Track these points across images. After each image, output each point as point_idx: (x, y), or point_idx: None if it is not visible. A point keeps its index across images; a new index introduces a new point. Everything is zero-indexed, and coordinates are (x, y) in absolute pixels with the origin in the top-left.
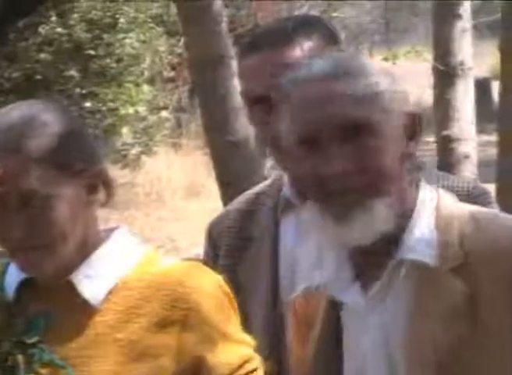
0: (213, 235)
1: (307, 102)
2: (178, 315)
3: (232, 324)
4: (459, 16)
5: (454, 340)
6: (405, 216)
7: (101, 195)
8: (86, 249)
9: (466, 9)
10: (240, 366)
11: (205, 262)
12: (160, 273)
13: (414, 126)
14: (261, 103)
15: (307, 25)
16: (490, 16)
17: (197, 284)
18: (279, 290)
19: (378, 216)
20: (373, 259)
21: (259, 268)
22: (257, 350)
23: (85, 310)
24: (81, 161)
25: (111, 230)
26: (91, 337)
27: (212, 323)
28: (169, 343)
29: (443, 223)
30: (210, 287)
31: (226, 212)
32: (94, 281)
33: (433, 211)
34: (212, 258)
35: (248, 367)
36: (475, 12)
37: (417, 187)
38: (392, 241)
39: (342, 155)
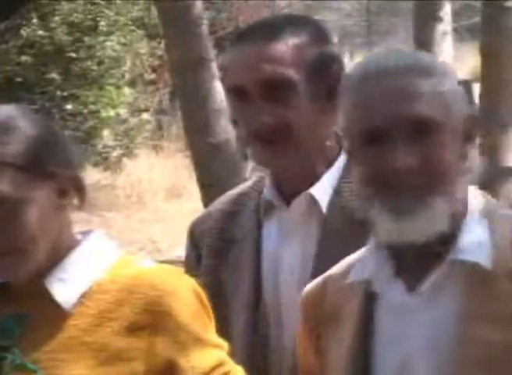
0: (195, 235)
1: (379, 97)
2: (150, 318)
3: (206, 328)
4: (440, 19)
5: (508, 343)
6: (459, 216)
7: (74, 200)
8: (59, 253)
9: (447, 12)
10: (212, 370)
11: (187, 262)
12: (133, 276)
13: (471, 128)
14: (241, 95)
15: (295, 23)
16: (471, 18)
17: (171, 288)
18: (262, 291)
19: (438, 214)
20: (421, 258)
21: (241, 269)
22: (238, 350)
23: (58, 314)
24: (52, 165)
25: (86, 234)
26: (63, 341)
27: (185, 327)
28: (140, 347)
29: (496, 225)
30: (183, 291)
31: (208, 212)
32: (67, 285)
33: (484, 212)
34: (194, 258)
35: (220, 371)
36: (456, 15)
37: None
38: (445, 240)
39: (408, 151)
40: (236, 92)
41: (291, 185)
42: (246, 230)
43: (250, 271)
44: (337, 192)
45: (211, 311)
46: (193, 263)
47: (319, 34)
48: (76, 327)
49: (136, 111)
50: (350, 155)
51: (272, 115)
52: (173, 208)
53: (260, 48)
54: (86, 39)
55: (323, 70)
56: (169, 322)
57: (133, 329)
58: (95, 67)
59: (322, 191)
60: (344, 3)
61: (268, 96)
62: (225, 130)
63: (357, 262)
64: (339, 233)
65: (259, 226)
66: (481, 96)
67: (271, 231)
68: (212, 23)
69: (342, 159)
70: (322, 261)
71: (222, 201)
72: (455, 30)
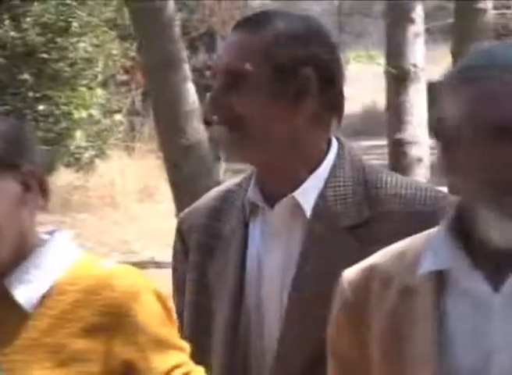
0: (183, 230)
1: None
2: (109, 320)
3: (166, 330)
4: (412, 20)
5: None
6: None
7: (38, 198)
8: (22, 252)
9: (419, 14)
10: (171, 371)
11: (175, 257)
12: (93, 278)
13: None
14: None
15: (282, 19)
16: (444, 20)
17: (130, 290)
18: (245, 292)
19: None
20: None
21: (227, 268)
22: (218, 349)
23: (19, 314)
24: (17, 157)
25: (49, 234)
26: (24, 342)
27: (144, 329)
28: (99, 348)
29: None
30: (143, 293)
31: (196, 207)
32: (28, 285)
33: None
34: (182, 253)
35: (179, 372)
36: (429, 17)
37: None
38: None
39: None
40: (212, 74)
41: (274, 186)
42: (233, 228)
43: (235, 270)
44: (322, 196)
45: (173, 313)
46: (181, 258)
47: (301, 34)
48: (36, 328)
49: (109, 112)
50: (463, 148)
51: (224, 104)
52: (146, 209)
53: (233, 38)
54: (58, 40)
55: (291, 71)
56: (128, 324)
57: (91, 330)
58: (68, 68)
59: (306, 195)
60: (314, 4)
61: (226, 85)
62: (197, 131)
63: (427, 252)
64: (322, 238)
65: (245, 225)
66: None
67: (255, 231)
68: (185, 24)
69: (327, 163)
70: (305, 265)
71: (210, 196)
72: (428, 31)
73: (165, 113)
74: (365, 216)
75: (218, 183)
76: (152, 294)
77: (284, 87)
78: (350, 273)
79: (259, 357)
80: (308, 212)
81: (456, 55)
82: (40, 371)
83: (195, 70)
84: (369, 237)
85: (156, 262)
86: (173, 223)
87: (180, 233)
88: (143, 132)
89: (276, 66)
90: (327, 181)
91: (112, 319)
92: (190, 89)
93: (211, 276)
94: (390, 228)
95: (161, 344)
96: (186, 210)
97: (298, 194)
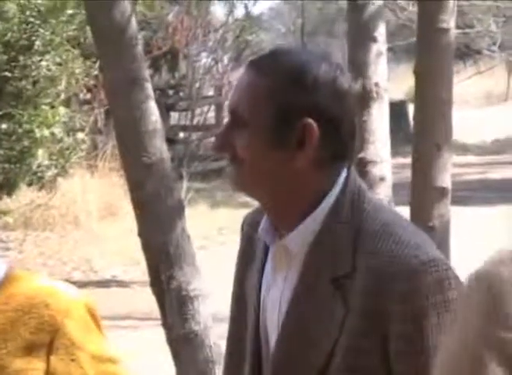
0: (243, 229)
1: None
2: (45, 338)
3: (100, 343)
4: (374, 39)
5: None
6: None
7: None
8: None
9: (381, 33)
10: None
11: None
12: (27, 296)
13: None
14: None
15: (295, 60)
16: (407, 39)
17: (64, 307)
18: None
19: None
20: None
21: (251, 288)
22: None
23: None
24: None
25: None
26: None
27: (80, 345)
28: (39, 367)
29: None
30: (75, 309)
31: (255, 209)
32: None
33: None
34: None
35: None
36: (392, 36)
37: None
38: None
39: None
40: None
41: (276, 223)
42: (259, 249)
43: (255, 293)
44: (316, 242)
45: (102, 326)
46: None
47: (309, 80)
48: None
49: (71, 130)
50: None
51: (228, 143)
52: (108, 227)
53: (243, 77)
54: (21, 58)
55: (293, 119)
56: (64, 341)
57: (30, 349)
58: (30, 87)
59: (299, 240)
60: (278, 23)
61: (231, 124)
62: (160, 150)
63: None
64: (310, 286)
65: (266, 250)
66: (415, 116)
67: (270, 259)
68: (148, 42)
69: (326, 205)
70: (293, 314)
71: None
72: (390, 51)
73: (127, 132)
74: (348, 267)
75: (180, 202)
76: (84, 310)
77: (284, 135)
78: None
79: None
80: (300, 258)
81: (419, 74)
82: None
83: (158, 89)
84: (349, 290)
85: (118, 281)
86: (136, 241)
87: (241, 232)
88: (105, 150)
89: (278, 112)
90: (323, 225)
91: (48, 337)
92: (153, 108)
93: (247, 288)
94: (368, 283)
95: (97, 359)
96: (251, 210)
97: (289, 240)
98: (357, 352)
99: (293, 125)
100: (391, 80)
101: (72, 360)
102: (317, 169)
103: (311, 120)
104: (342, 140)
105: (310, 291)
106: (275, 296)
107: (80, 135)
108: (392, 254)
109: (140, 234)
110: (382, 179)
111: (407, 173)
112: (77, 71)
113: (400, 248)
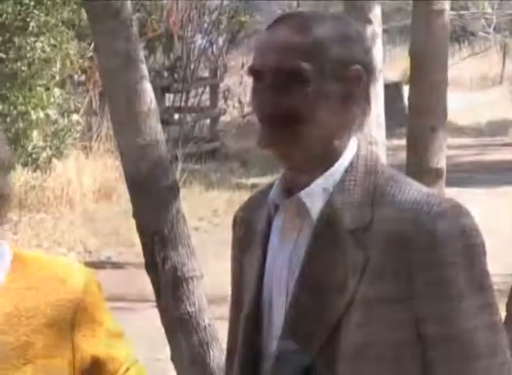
0: (236, 222)
1: None
2: (65, 314)
3: (111, 319)
4: (369, 21)
5: None
6: None
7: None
8: None
9: (376, 14)
10: (126, 359)
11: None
12: (40, 274)
13: None
14: (257, 79)
15: (322, 19)
16: (402, 21)
17: (80, 282)
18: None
19: None
20: None
21: (252, 265)
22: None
23: None
24: None
25: None
26: None
27: (99, 321)
28: (62, 343)
29: None
30: (91, 285)
31: (246, 202)
32: None
33: None
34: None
35: (131, 359)
36: (388, 17)
37: None
38: None
39: None
40: (253, 75)
41: (297, 184)
42: (262, 226)
43: (257, 266)
44: (330, 200)
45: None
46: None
47: (344, 33)
48: None
49: (66, 112)
50: None
51: (279, 104)
52: (103, 209)
53: (279, 37)
54: (16, 40)
55: (340, 71)
56: (85, 317)
57: (52, 325)
58: (25, 68)
59: (313, 196)
60: (273, 4)
61: (277, 83)
62: (155, 131)
63: None
64: (327, 241)
65: (269, 223)
66: (410, 98)
67: (275, 230)
68: (143, 24)
69: (341, 164)
70: (308, 270)
71: (260, 189)
72: (386, 32)
73: (121, 113)
74: (367, 219)
75: (175, 183)
76: (96, 285)
77: (335, 86)
78: None
79: (267, 348)
80: (315, 214)
81: (414, 56)
82: (7, 371)
83: (153, 71)
84: (370, 240)
85: (113, 263)
86: (130, 223)
87: (234, 225)
88: (100, 132)
89: (327, 65)
90: (338, 184)
91: (69, 313)
92: (148, 89)
93: (246, 271)
94: (390, 232)
95: (112, 334)
96: (241, 205)
97: (305, 194)
98: (377, 301)
99: (342, 75)
100: (386, 62)
101: (93, 336)
102: (351, 127)
103: (359, 69)
104: (368, 99)
105: (327, 244)
106: (283, 261)
107: (75, 117)
108: (413, 201)
109: (135, 215)
110: None
111: (402, 155)
112: (72, 52)
113: (420, 196)
